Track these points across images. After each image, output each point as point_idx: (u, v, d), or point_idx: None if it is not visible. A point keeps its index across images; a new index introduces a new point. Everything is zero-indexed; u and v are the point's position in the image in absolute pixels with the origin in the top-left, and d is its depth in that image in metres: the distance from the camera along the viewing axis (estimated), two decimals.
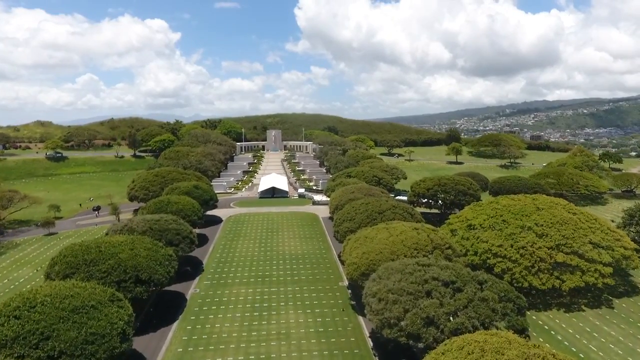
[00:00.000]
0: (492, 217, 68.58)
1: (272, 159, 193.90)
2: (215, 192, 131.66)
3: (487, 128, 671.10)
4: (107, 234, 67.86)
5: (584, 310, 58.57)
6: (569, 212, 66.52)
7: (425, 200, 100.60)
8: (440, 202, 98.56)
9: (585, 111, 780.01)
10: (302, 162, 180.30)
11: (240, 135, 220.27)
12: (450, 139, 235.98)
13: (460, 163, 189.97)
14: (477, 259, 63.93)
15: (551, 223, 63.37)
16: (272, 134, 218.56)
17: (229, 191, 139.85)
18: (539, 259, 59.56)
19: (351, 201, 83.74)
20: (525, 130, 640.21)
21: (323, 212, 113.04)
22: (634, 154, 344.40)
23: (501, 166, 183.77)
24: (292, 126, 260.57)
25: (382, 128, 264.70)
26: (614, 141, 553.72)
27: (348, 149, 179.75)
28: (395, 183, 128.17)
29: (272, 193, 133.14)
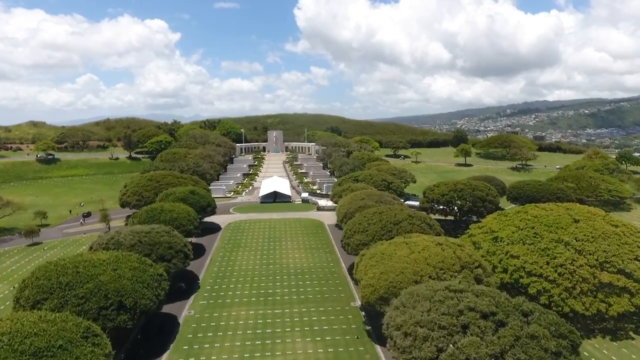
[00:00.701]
0: (521, 230, 61.30)
1: (273, 160, 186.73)
2: (214, 196, 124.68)
3: (489, 128, 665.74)
4: (91, 249, 60.68)
5: (633, 338, 51.34)
6: (609, 224, 59.25)
7: (441, 207, 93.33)
8: (456, 209, 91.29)
9: (586, 111, 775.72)
10: (305, 165, 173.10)
11: (240, 136, 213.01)
12: (457, 140, 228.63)
13: (469, 165, 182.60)
14: (508, 277, 56.72)
15: (592, 237, 56.13)
16: (273, 134, 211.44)
17: (228, 195, 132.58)
18: (580, 279, 52.32)
19: (361, 209, 76.58)
20: (527, 130, 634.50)
21: (328, 218, 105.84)
22: (637, 154, 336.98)
23: (512, 169, 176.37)
24: (293, 126, 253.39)
25: (386, 129, 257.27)
26: (616, 142, 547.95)
27: (353, 151, 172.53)
28: (405, 187, 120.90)
29: (274, 197, 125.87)
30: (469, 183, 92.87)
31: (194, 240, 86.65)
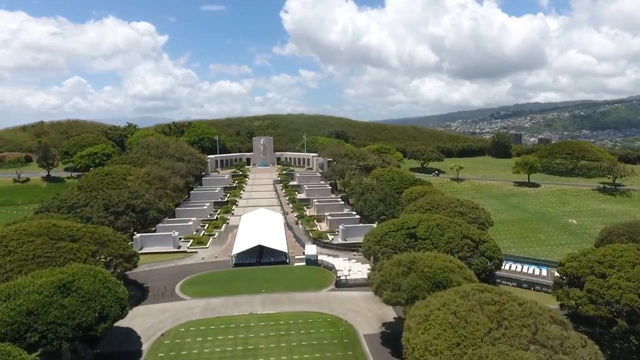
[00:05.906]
0: None
1: (260, 179, 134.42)
2: (155, 252, 73.75)
3: (484, 130, 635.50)
4: None
5: None
6: None
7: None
8: None
9: (582, 113, 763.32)
10: (305, 187, 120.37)
11: (216, 144, 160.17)
12: (499, 148, 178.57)
13: (535, 185, 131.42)
14: None
15: None
16: (260, 141, 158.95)
17: (180, 250, 79.32)
18: None
19: None
20: (524, 132, 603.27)
21: (361, 313, 54.53)
22: None
23: (599, 191, 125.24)
24: (287, 131, 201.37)
25: (405, 133, 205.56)
26: (618, 144, 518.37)
27: (374, 165, 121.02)
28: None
29: (259, 256, 73.76)
30: None
31: None
